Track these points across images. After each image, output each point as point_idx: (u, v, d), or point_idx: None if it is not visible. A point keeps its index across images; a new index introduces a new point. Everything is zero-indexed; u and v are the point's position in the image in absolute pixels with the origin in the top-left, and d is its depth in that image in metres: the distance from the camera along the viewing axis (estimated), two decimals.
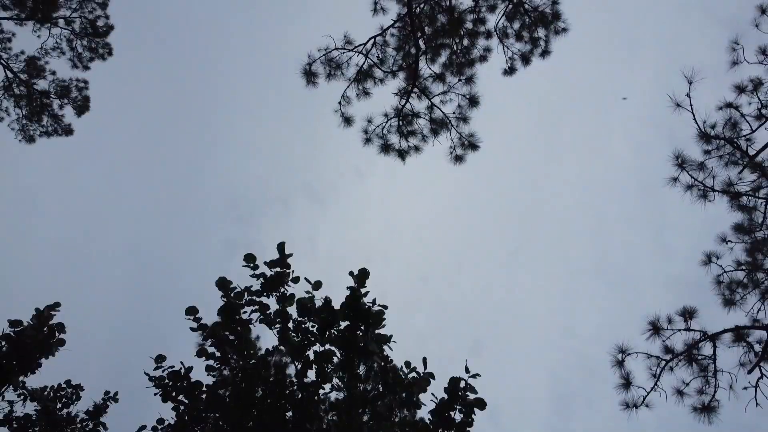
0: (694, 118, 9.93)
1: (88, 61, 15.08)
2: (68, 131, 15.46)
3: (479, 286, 27.75)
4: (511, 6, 11.37)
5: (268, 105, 30.31)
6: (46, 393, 7.09)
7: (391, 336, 5.89)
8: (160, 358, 5.95)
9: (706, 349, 9.33)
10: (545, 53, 11.63)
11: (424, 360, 5.92)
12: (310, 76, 10.96)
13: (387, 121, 11.49)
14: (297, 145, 30.43)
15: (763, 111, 9.97)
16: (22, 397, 6.84)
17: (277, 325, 6.00)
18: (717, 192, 10.13)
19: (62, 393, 7.22)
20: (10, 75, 14.80)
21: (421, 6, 11.30)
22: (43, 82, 15.03)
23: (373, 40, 11.18)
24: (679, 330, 9.38)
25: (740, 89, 10.08)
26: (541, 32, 11.48)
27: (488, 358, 23.39)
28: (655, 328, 9.38)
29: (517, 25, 11.56)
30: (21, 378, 6.69)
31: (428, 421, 5.64)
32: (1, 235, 24.73)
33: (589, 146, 28.87)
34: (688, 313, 9.33)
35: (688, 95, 9.73)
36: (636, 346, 9.45)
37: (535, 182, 29.15)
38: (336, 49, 11.02)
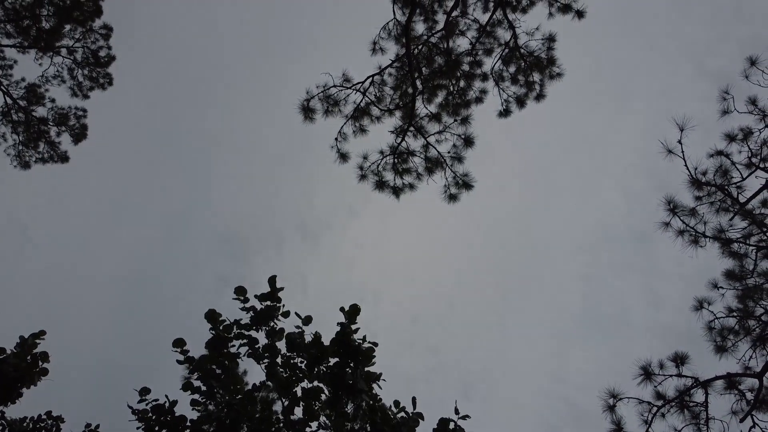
0: (686, 165, 10.06)
1: (88, 90, 15.23)
2: (64, 158, 15.50)
3: (470, 329, 27.56)
4: (507, 50, 11.63)
5: (263, 142, 30.56)
6: (25, 424, 6.92)
7: (380, 374, 5.82)
8: (144, 391, 5.83)
9: (698, 395, 9.24)
10: (540, 97, 11.86)
11: (414, 400, 5.83)
12: (307, 111, 11.09)
13: (382, 159, 11.59)
14: (291, 183, 30.58)
15: (753, 159, 10.13)
16: (0, 427, 6.67)
17: (266, 360, 5.92)
18: (708, 238, 10.20)
19: (42, 424, 7.05)
20: (9, 101, 14.90)
21: (419, 47, 11.53)
22: (42, 110, 15.14)
23: (371, 78, 11.36)
24: (671, 376, 9.30)
25: (731, 138, 10.27)
26: (536, 76, 11.73)
27: (478, 402, 23.08)
28: (647, 374, 9.31)
29: (513, 69, 11.81)
30: (0, 408, 6.54)
31: None
32: None
33: (580, 191, 29.15)
34: (679, 359, 9.28)
35: (679, 141, 9.88)
36: (627, 391, 9.35)
37: (527, 226, 29.29)
38: (334, 86, 11.18)
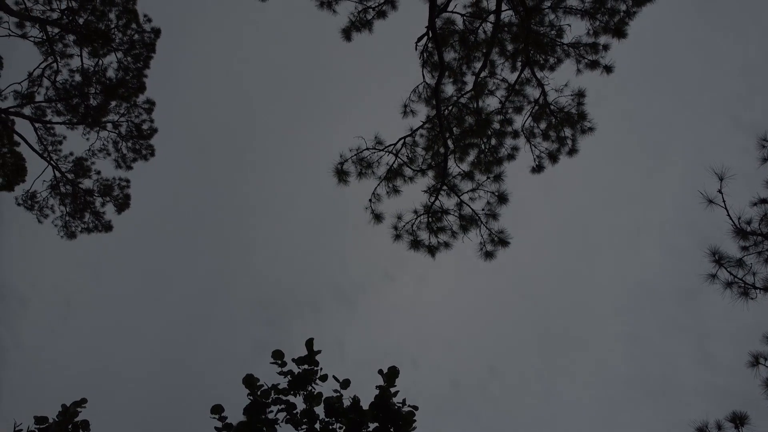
0: (728, 214, 9.79)
1: (131, 161, 15.90)
2: (108, 227, 16.04)
3: (512, 394, 26.58)
4: (537, 107, 11.74)
5: (298, 207, 31.09)
6: None
7: None
8: None
9: None
10: (573, 152, 11.85)
11: None
12: (341, 175, 11.28)
13: (416, 218, 11.62)
14: (325, 247, 30.78)
15: None
16: None
17: (304, 426, 5.81)
18: (759, 289, 9.79)
19: None
20: (58, 175, 15.61)
21: (450, 108, 11.73)
22: (88, 181, 15.84)
23: (403, 140, 11.56)
24: None
25: None
26: (567, 132, 11.76)
27: None
28: None
29: (543, 125, 11.88)
30: None
31: None
32: (34, 330, 25.06)
33: (618, 249, 28.44)
34: (738, 419, 8.75)
35: (720, 191, 9.66)
36: None
37: (566, 284, 28.56)
38: (367, 149, 11.40)
